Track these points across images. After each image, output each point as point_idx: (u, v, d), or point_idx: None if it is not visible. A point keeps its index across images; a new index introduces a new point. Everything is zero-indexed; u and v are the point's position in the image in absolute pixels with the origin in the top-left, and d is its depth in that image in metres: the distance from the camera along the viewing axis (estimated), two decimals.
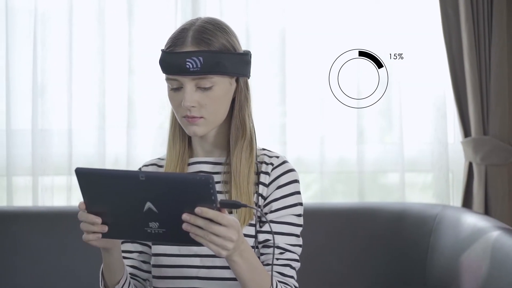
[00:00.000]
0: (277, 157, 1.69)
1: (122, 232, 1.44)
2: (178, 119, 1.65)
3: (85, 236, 1.45)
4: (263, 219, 1.64)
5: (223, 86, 1.62)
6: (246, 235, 1.62)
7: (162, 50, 1.63)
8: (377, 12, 2.68)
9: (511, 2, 2.57)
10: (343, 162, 2.72)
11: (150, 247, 1.71)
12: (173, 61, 1.59)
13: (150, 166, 1.76)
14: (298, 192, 1.68)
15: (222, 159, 1.69)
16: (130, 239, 1.67)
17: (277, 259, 1.63)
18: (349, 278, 2.39)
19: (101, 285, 1.61)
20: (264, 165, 1.67)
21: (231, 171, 1.64)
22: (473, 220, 2.16)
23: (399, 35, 2.67)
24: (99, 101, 2.65)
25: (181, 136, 1.70)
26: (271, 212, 1.65)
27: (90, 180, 1.41)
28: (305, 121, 2.70)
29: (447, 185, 2.71)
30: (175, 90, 1.62)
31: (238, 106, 1.66)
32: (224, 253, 1.39)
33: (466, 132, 2.63)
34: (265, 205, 1.66)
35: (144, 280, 1.73)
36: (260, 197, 1.66)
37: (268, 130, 2.67)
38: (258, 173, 1.67)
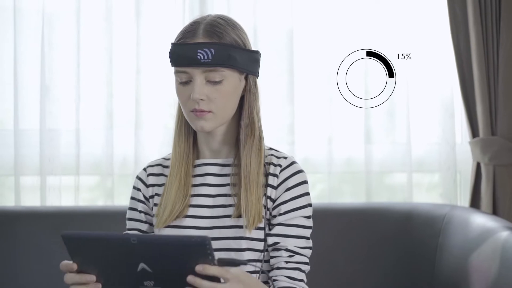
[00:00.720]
0: (285, 158, 1.67)
1: None
2: (185, 114, 1.63)
3: None
4: (273, 222, 1.63)
5: (233, 80, 1.61)
6: (255, 239, 1.62)
7: (172, 43, 1.62)
8: (385, 12, 2.68)
9: None
10: (351, 162, 2.71)
11: None
12: (184, 53, 1.57)
13: (155, 167, 1.74)
14: (307, 193, 1.67)
15: (229, 160, 1.67)
16: None
17: (287, 262, 1.62)
18: (357, 278, 2.38)
19: None
20: (272, 167, 1.66)
21: (241, 171, 1.62)
22: (482, 221, 2.15)
23: (407, 35, 2.67)
24: (106, 101, 2.65)
25: (187, 135, 1.67)
26: (280, 214, 1.64)
27: (78, 244, 1.38)
28: (313, 121, 2.70)
29: (454, 185, 2.70)
30: (183, 84, 1.60)
31: (248, 104, 1.64)
32: None
33: (474, 132, 2.63)
34: (273, 208, 1.65)
35: None
36: (269, 200, 1.65)
37: (276, 130, 2.67)
38: (266, 175, 1.65)
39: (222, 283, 1.39)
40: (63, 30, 2.65)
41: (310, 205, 1.67)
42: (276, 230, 1.63)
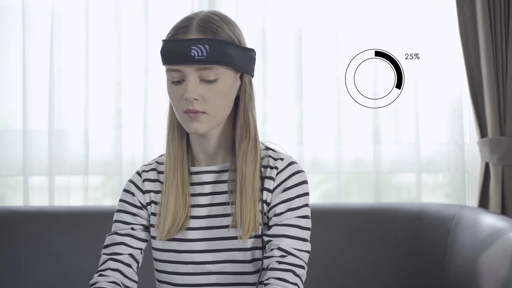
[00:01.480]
0: (282, 159, 1.59)
1: None
2: (178, 116, 1.54)
3: None
4: (270, 224, 1.57)
5: (228, 79, 1.52)
6: (254, 248, 1.56)
7: (164, 40, 1.53)
8: (393, 12, 2.68)
9: None
10: (359, 162, 2.71)
11: (141, 252, 1.64)
12: (176, 49, 1.48)
13: (150, 172, 1.64)
14: (305, 194, 1.58)
15: (226, 166, 1.59)
16: None
17: (279, 262, 1.52)
18: (367, 278, 2.38)
19: None
20: (268, 170, 1.58)
21: (237, 177, 1.55)
22: (491, 221, 2.15)
23: (415, 35, 2.67)
24: (115, 101, 2.66)
25: (180, 139, 1.59)
26: (275, 215, 1.56)
27: None
28: (321, 121, 2.70)
29: (463, 185, 2.70)
30: (176, 83, 1.51)
31: (243, 104, 1.56)
32: None
33: (483, 133, 2.62)
34: (269, 210, 1.58)
35: None
36: (264, 204, 1.58)
37: (285, 130, 2.67)
38: (262, 178, 1.57)
39: None
40: (71, 30, 2.65)
41: (307, 205, 1.58)
42: (272, 231, 1.55)
